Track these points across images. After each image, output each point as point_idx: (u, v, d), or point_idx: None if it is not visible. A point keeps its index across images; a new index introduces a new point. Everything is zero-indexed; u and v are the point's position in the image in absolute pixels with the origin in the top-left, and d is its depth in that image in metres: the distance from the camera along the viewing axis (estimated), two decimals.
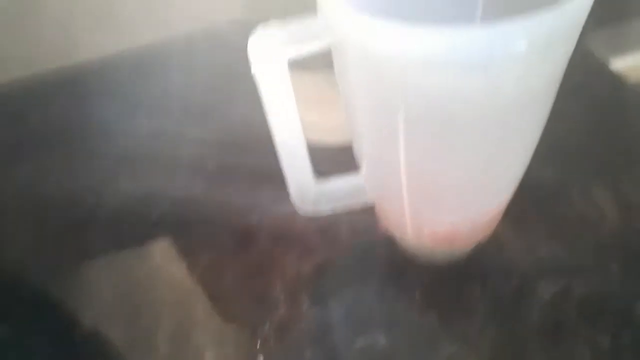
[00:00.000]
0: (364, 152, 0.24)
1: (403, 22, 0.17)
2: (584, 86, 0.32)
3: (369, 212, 0.28)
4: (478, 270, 0.29)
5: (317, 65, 0.29)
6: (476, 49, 0.18)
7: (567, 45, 0.20)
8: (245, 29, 0.21)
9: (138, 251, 0.33)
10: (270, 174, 0.27)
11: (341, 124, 0.24)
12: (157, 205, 0.35)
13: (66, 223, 0.34)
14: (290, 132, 0.23)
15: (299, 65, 0.22)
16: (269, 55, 0.20)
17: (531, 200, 0.30)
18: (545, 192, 0.32)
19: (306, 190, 0.25)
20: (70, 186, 0.36)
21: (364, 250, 0.31)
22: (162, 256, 0.32)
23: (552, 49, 0.19)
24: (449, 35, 0.17)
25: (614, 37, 0.42)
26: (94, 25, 0.40)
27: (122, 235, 0.33)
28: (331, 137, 0.34)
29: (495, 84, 0.19)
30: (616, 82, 0.39)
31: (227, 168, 0.36)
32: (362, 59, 0.19)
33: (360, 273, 0.30)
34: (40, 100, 0.41)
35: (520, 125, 0.22)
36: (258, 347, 0.27)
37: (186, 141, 0.37)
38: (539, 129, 0.23)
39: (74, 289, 0.31)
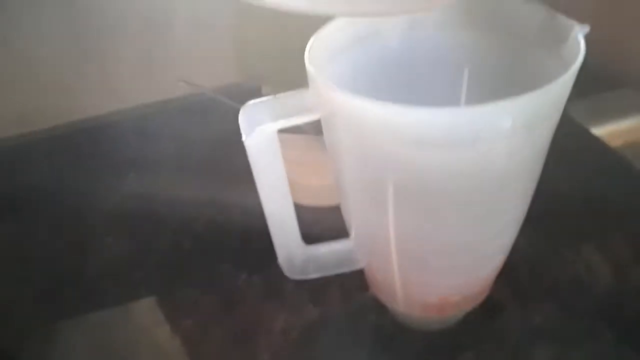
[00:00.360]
0: (353, 221, 0.24)
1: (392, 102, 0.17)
2: (569, 152, 0.33)
3: (359, 275, 0.28)
4: (471, 337, 0.28)
5: (309, 128, 0.30)
6: (463, 127, 0.18)
7: (551, 121, 0.20)
8: (240, 94, 0.21)
9: (119, 312, 0.32)
10: (258, 236, 0.27)
11: (332, 186, 0.24)
12: (142, 265, 0.34)
13: (46, 282, 0.33)
14: (278, 200, 0.23)
15: (290, 128, 0.22)
16: (259, 127, 0.20)
17: (523, 265, 0.30)
18: (537, 256, 0.32)
19: (294, 256, 0.25)
20: (54, 245, 0.36)
21: (353, 316, 0.30)
22: (144, 318, 0.31)
23: (537, 126, 0.20)
24: (437, 114, 0.17)
25: (594, 106, 0.44)
26: (89, 86, 0.41)
27: (104, 296, 0.32)
28: (323, 198, 0.34)
29: (483, 159, 0.19)
30: (599, 147, 0.40)
31: (214, 229, 0.36)
32: (352, 133, 0.20)
33: (350, 340, 0.29)
34: (31, 158, 0.41)
35: (509, 196, 0.22)
36: None
37: (175, 202, 0.37)
38: (528, 198, 0.23)
39: (51, 349, 0.30)
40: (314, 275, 0.26)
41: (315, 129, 0.22)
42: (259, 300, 0.31)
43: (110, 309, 0.32)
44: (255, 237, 0.29)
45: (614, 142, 0.41)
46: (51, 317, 0.31)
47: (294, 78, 0.22)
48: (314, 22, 0.23)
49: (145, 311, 0.32)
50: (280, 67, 0.33)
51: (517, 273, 0.30)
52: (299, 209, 0.25)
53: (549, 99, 0.19)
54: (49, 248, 0.36)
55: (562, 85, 0.19)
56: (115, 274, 0.33)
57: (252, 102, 0.21)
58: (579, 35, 0.20)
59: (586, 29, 0.21)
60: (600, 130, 0.43)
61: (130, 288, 0.33)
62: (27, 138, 0.42)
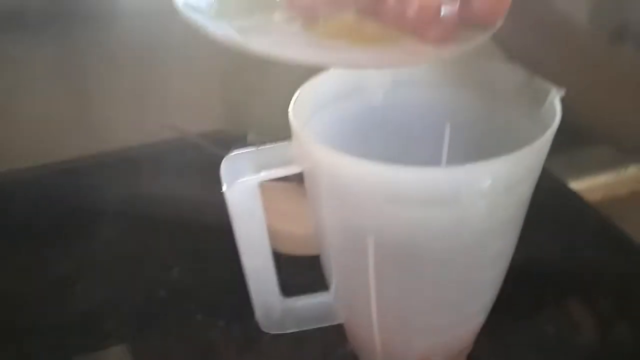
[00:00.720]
0: (333, 275, 0.24)
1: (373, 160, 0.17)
2: (547, 207, 0.34)
3: (339, 328, 0.27)
4: None
5: (292, 176, 0.30)
6: (442, 186, 0.18)
7: (529, 180, 0.21)
8: (225, 141, 0.21)
9: None
10: (235, 286, 0.26)
11: (314, 235, 0.24)
12: (113, 314, 0.32)
13: (9, 331, 0.32)
14: (258, 253, 0.22)
15: None
16: (240, 179, 0.20)
17: (505, 322, 0.30)
18: (518, 313, 0.31)
19: (272, 310, 0.24)
20: (20, 290, 0.34)
21: None
22: None
23: (516, 185, 0.20)
24: (416, 173, 0.18)
25: (572, 161, 0.46)
26: (73, 126, 0.41)
27: (72, 346, 0.31)
28: (304, 247, 0.34)
29: (463, 217, 0.19)
30: (577, 202, 0.41)
31: (190, 278, 0.35)
32: (332, 188, 0.20)
33: None
34: (2, 198, 0.40)
35: (489, 254, 0.22)
36: None
37: (151, 248, 0.36)
38: (508, 255, 0.23)
39: None
40: (291, 330, 0.25)
41: (299, 177, 0.22)
42: (234, 352, 0.30)
43: (79, 359, 0.30)
44: (232, 287, 0.28)
45: (592, 197, 0.42)
46: None
47: (280, 126, 0.22)
48: (301, 73, 0.23)
49: None
50: (266, 115, 0.33)
51: (499, 330, 0.30)
52: (280, 258, 0.24)
53: (527, 161, 0.19)
54: (13, 294, 0.34)
55: (539, 147, 0.19)
56: (84, 323, 0.32)
57: (234, 153, 0.21)
58: (555, 99, 0.21)
59: (562, 92, 0.21)
60: (578, 185, 0.44)
61: (100, 337, 0.31)
62: (1, 177, 0.41)
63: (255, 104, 0.37)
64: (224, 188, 0.20)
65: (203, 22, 0.20)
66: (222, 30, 0.20)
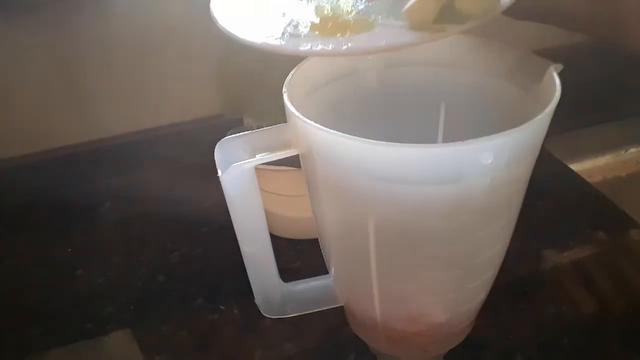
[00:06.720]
0: (332, 258, 0.24)
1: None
2: (548, 188, 0.34)
3: (339, 310, 0.27)
4: None
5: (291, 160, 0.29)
6: (443, 164, 0.18)
7: (530, 158, 0.20)
8: (222, 125, 0.21)
9: (89, 347, 0.30)
10: (235, 270, 0.26)
11: (312, 218, 0.24)
12: (114, 299, 0.32)
13: (12, 316, 0.32)
14: (255, 238, 0.22)
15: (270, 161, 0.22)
16: (234, 163, 0.20)
17: (506, 301, 0.30)
18: (519, 292, 0.31)
19: (271, 295, 0.24)
20: (20, 276, 0.34)
21: (333, 354, 0.29)
22: (115, 353, 0.30)
23: (516, 162, 0.19)
24: (416, 151, 0.17)
25: (573, 143, 0.45)
26: (69, 113, 0.40)
27: (73, 330, 0.31)
28: (303, 231, 0.34)
29: (462, 196, 0.19)
30: (578, 183, 0.41)
31: (190, 262, 0.35)
32: (329, 170, 0.19)
33: None
34: (1, 186, 0.40)
35: (489, 232, 0.22)
36: None
37: (151, 233, 0.36)
38: (508, 235, 0.23)
39: None
40: (292, 314, 0.25)
41: (297, 163, 0.22)
42: (234, 336, 0.30)
43: (79, 344, 0.30)
44: (232, 271, 0.28)
45: (593, 178, 0.42)
46: (18, 352, 0.30)
47: (276, 110, 0.22)
48: (299, 57, 0.23)
49: (116, 346, 0.30)
50: (263, 99, 0.33)
51: (499, 310, 0.30)
52: (280, 242, 0.24)
53: (528, 137, 0.19)
54: (13, 281, 0.34)
55: (540, 123, 0.19)
56: (84, 308, 0.32)
57: (228, 137, 0.20)
58: (554, 75, 0.21)
59: (560, 67, 0.21)
60: (579, 167, 0.44)
61: (101, 322, 0.31)
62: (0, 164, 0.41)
63: (252, 88, 0.36)
64: (219, 173, 0.20)
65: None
66: (221, 16, 0.20)
